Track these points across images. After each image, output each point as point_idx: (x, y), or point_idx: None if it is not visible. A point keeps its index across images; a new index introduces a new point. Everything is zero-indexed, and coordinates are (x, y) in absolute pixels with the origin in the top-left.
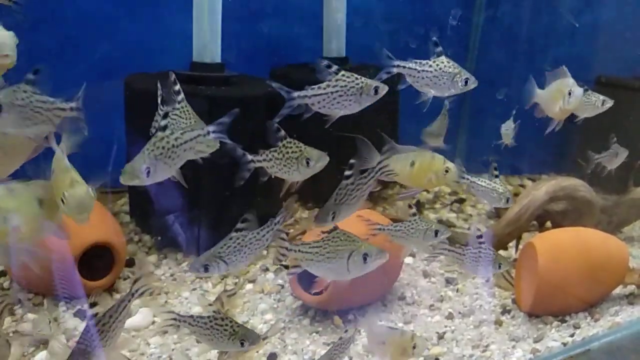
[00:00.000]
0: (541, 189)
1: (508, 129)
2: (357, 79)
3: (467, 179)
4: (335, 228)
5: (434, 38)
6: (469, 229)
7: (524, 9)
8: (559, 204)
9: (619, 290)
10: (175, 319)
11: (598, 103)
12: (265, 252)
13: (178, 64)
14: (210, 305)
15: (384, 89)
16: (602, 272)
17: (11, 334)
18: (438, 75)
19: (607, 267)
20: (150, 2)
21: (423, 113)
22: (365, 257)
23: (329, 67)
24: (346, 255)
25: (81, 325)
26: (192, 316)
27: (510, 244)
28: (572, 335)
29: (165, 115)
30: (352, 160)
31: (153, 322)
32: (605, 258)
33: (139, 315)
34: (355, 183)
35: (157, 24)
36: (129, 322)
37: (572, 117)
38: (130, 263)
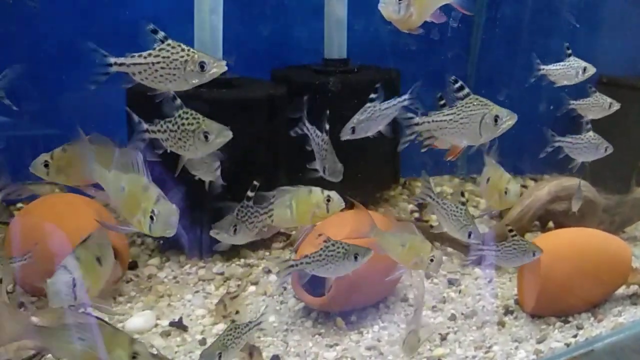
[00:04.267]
0: (543, 189)
1: None
2: (182, 50)
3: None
4: (469, 94)
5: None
6: None
7: (525, 9)
8: (561, 204)
9: (621, 290)
10: (292, 265)
11: (605, 105)
12: (267, 254)
13: None
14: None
15: (219, 67)
16: (604, 272)
17: None
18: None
19: (609, 268)
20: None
21: None
22: (496, 119)
23: (154, 32)
24: (479, 118)
25: None
26: (306, 255)
27: None
28: (575, 336)
29: None
30: None
31: (156, 325)
32: (608, 258)
33: (142, 318)
34: None
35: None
36: (131, 325)
37: (579, 116)
38: (133, 266)
